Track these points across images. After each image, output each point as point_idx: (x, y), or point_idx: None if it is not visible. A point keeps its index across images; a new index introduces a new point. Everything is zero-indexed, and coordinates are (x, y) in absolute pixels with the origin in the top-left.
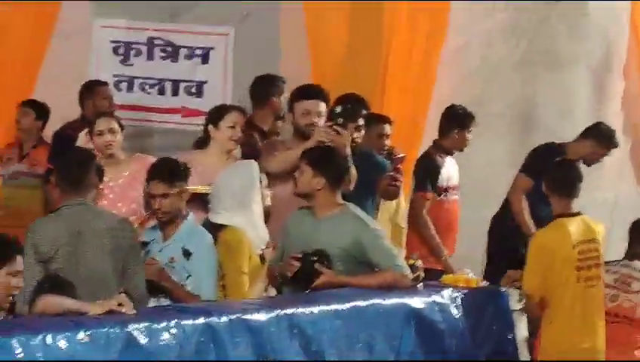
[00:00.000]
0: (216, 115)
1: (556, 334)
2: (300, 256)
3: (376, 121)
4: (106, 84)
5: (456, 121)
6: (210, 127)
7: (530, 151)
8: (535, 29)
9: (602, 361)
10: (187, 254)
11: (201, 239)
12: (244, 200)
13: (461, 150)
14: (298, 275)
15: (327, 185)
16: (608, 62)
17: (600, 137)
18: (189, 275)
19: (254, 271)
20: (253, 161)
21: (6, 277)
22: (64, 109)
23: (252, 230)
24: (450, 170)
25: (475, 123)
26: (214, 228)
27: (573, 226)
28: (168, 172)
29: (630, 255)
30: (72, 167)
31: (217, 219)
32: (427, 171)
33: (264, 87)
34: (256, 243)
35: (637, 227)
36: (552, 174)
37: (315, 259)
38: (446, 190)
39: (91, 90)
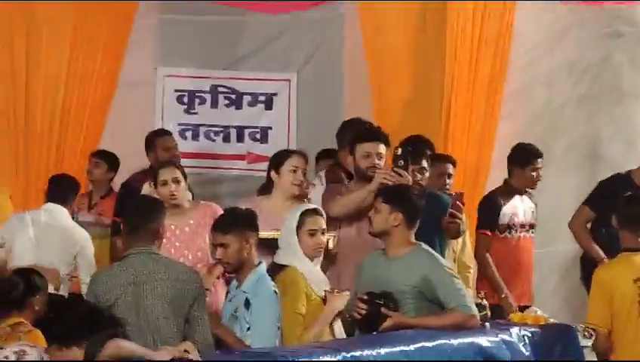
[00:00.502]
0: (277, 160)
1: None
2: (366, 298)
3: (439, 160)
4: (167, 133)
5: (521, 159)
6: (272, 172)
7: (599, 183)
8: (596, 65)
9: None
10: (248, 305)
11: (262, 289)
12: None
13: (532, 188)
14: (365, 318)
15: (404, 222)
16: None
17: None
18: (249, 327)
19: (315, 312)
20: (317, 207)
21: None
22: (130, 159)
23: (313, 272)
24: (517, 207)
25: (539, 160)
26: (276, 270)
27: (638, 260)
28: (226, 222)
29: None
30: (138, 214)
31: (278, 259)
32: (487, 209)
33: (349, 131)
34: (317, 284)
35: None
36: (622, 209)
37: (382, 301)
38: (509, 227)
39: (152, 141)
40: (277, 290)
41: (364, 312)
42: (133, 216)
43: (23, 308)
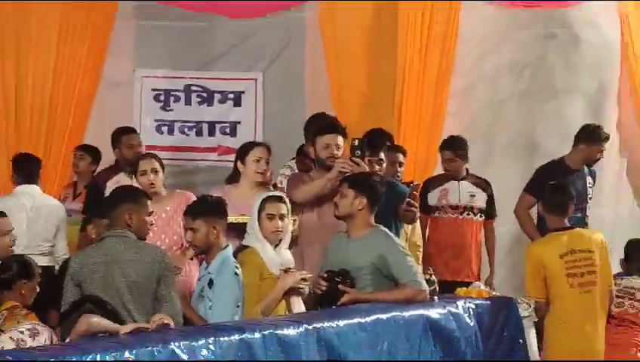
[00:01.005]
0: (242, 151)
1: (557, 337)
2: (325, 275)
3: (391, 150)
4: (132, 131)
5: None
6: (239, 163)
7: (536, 170)
8: (533, 64)
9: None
10: (211, 284)
11: (224, 270)
12: None
13: (455, 178)
14: (326, 293)
15: (367, 206)
16: (602, 91)
17: (588, 137)
18: (211, 305)
19: (268, 289)
20: (281, 193)
21: None
22: (111, 152)
23: (269, 253)
24: (448, 191)
25: (447, 152)
26: (240, 251)
27: (564, 238)
28: (195, 208)
29: (629, 271)
30: (116, 200)
31: (244, 241)
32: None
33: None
34: (273, 265)
35: (633, 245)
36: (548, 198)
37: (339, 279)
38: (437, 209)
39: (118, 138)
40: (238, 272)
41: (324, 288)
42: (111, 202)
43: (9, 290)
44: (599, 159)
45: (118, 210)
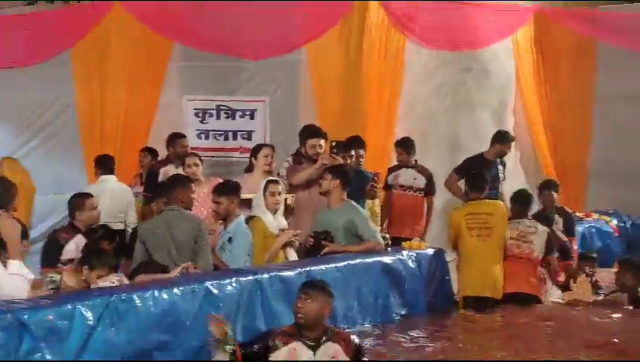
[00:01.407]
0: (255, 150)
1: (464, 274)
2: (312, 234)
3: (355, 146)
4: (183, 136)
5: (404, 146)
6: (252, 159)
7: (462, 162)
8: (456, 88)
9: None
10: (230, 240)
11: (239, 231)
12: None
13: (407, 166)
14: (313, 247)
15: (340, 185)
16: (503, 105)
17: (502, 139)
18: (230, 253)
19: (270, 243)
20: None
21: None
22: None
23: (270, 219)
24: (399, 175)
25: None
26: (248, 219)
27: (472, 205)
28: (219, 188)
29: (516, 217)
30: (172, 185)
31: (252, 212)
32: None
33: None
34: (274, 227)
35: (517, 196)
36: (469, 181)
37: (322, 237)
38: (392, 187)
39: (173, 140)
40: (248, 233)
41: (311, 243)
42: (169, 186)
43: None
44: (507, 153)
45: (173, 192)
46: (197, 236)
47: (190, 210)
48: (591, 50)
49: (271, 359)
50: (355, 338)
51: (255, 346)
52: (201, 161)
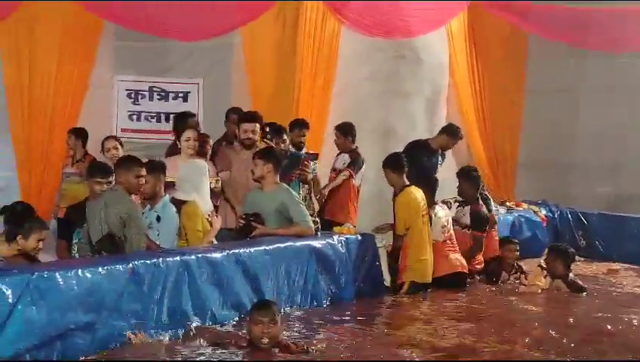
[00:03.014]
0: (178, 133)
1: (413, 253)
2: (243, 216)
3: (299, 126)
4: (193, 115)
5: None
6: (177, 141)
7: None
8: (389, 75)
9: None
10: (158, 219)
11: (167, 210)
12: (197, 185)
13: (345, 151)
14: (243, 229)
15: (273, 170)
16: (436, 94)
17: (451, 133)
18: (159, 233)
19: (204, 230)
20: (201, 160)
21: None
22: (97, 133)
23: (203, 204)
24: (337, 160)
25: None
26: (179, 203)
27: (416, 191)
28: (147, 168)
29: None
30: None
31: (181, 196)
32: None
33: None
34: (205, 212)
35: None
36: (413, 168)
37: (252, 219)
38: (332, 171)
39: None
40: (176, 214)
41: (242, 224)
42: (115, 166)
43: None
44: (449, 148)
45: (116, 173)
46: (126, 220)
47: (135, 193)
48: (522, 42)
49: None
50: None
51: None
52: (121, 144)
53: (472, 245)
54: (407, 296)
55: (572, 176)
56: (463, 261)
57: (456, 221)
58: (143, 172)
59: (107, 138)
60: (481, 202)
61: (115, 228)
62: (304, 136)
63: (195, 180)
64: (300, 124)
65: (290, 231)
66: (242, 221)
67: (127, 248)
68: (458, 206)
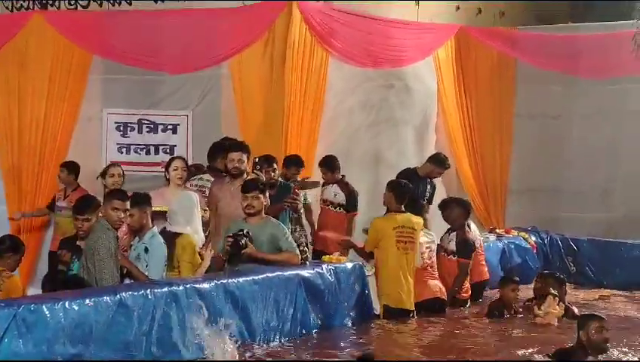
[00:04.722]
0: (167, 164)
1: (385, 283)
2: (231, 235)
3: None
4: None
5: (330, 166)
6: (166, 172)
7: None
8: (379, 104)
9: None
10: (146, 250)
11: (155, 241)
12: (189, 217)
13: (328, 183)
14: (233, 248)
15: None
16: (425, 122)
17: (437, 161)
18: (147, 264)
19: (196, 263)
20: (193, 192)
21: None
22: (87, 166)
23: (196, 236)
24: (326, 192)
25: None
26: (173, 235)
27: (398, 218)
28: (130, 201)
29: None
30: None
31: (175, 229)
32: None
33: (216, 148)
34: (197, 244)
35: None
36: (396, 193)
37: (239, 234)
38: (322, 202)
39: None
40: (164, 245)
41: (230, 243)
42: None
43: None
44: (436, 177)
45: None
46: (94, 251)
47: (114, 226)
48: (510, 69)
49: None
50: None
51: None
52: (123, 173)
53: (457, 275)
54: (389, 322)
55: (563, 202)
56: (442, 287)
57: (441, 247)
58: (120, 205)
59: (112, 164)
60: (467, 229)
61: (88, 257)
62: (299, 173)
63: (187, 213)
64: (296, 162)
65: (278, 257)
66: (230, 239)
67: (91, 279)
68: (445, 232)
